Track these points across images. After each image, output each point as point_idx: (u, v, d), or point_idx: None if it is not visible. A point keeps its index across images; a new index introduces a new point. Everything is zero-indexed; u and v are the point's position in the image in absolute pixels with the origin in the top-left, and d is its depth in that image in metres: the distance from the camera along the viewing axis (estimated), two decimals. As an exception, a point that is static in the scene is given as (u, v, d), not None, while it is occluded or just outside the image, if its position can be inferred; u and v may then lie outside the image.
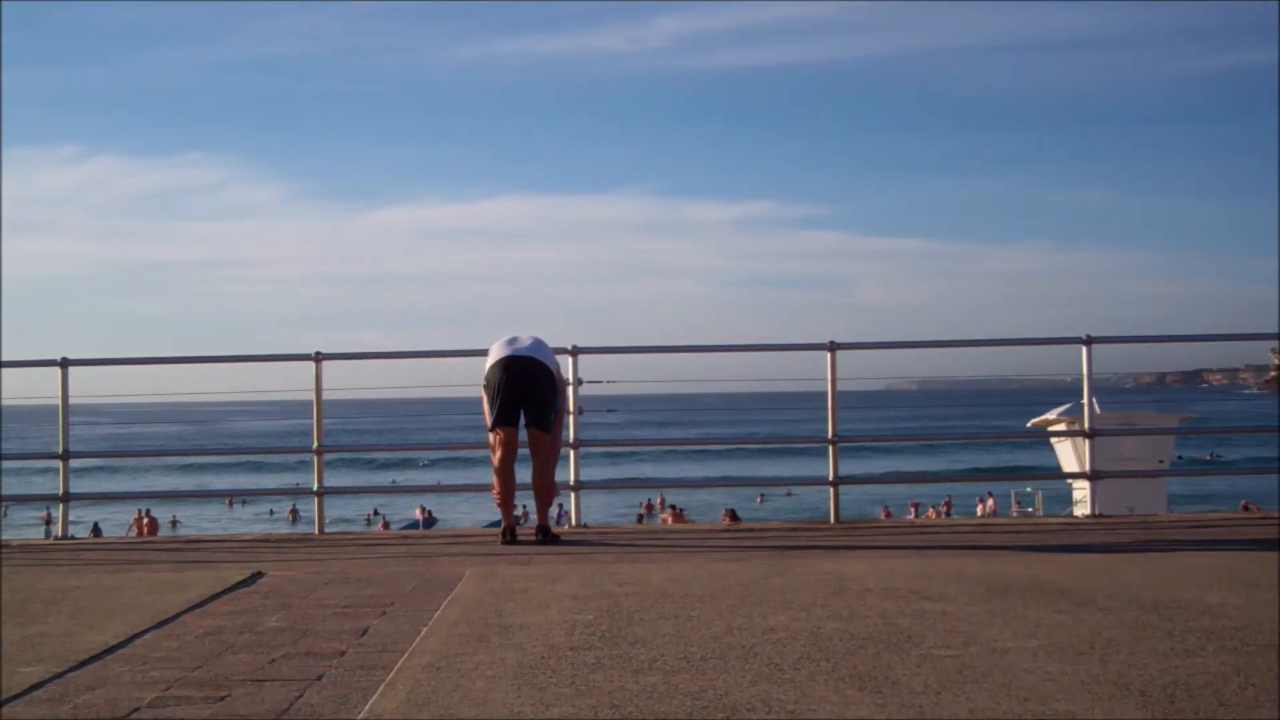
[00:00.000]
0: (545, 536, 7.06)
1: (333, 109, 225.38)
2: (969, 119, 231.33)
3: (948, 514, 28.76)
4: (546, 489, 7.17)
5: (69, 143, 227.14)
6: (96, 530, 25.53)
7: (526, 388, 7.03)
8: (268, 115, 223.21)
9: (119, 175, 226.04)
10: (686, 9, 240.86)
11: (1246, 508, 24.94)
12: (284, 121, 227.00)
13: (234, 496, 36.92)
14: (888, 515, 24.90)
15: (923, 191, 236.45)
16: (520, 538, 7.07)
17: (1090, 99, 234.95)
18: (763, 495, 38.89)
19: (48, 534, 21.25)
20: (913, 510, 30.39)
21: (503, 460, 7.06)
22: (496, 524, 7.54)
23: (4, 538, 8.48)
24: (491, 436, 7.11)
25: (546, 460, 7.14)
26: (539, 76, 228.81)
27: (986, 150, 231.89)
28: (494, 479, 7.14)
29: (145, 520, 28.26)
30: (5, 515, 31.79)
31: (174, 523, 33.77)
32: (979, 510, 28.22)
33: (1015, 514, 26.23)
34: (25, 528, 30.39)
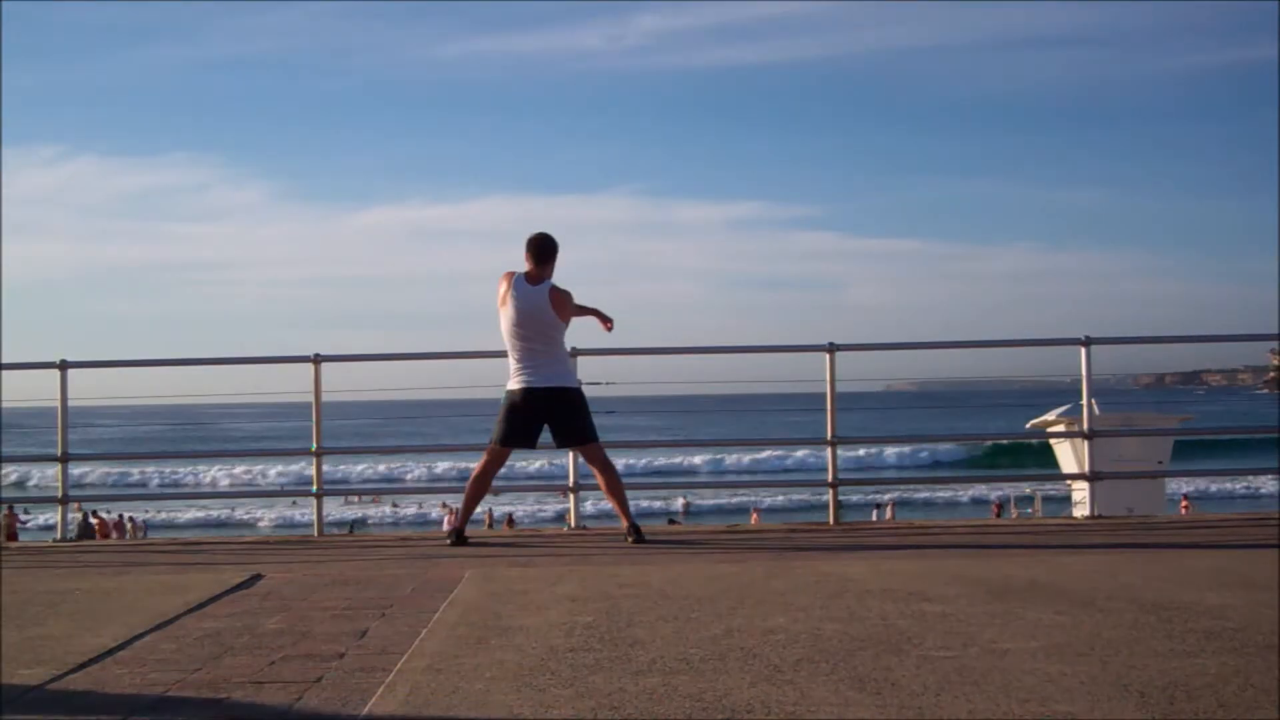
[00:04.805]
0: (638, 536, 7.09)
1: (314, 108, 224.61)
2: (960, 118, 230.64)
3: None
4: (620, 491, 7.22)
5: (50, 143, 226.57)
6: (85, 524, 25.56)
7: (551, 418, 7.13)
8: (249, 115, 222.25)
9: (101, 176, 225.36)
10: (665, 7, 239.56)
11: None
12: (266, 121, 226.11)
13: (232, 497, 36.87)
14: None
15: (916, 191, 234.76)
16: (471, 540, 7.19)
17: (1083, 97, 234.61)
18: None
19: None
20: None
21: (485, 472, 7.22)
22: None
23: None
24: (491, 446, 7.17)
25: (606, 465, 7.20)
26: (520, 75, 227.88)
27: (979, 149, 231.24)
28: (470, 484, 7.29)
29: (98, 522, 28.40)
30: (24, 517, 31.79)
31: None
32: (1000, 512, 28.00)
33: (1015, 514, 26.28)
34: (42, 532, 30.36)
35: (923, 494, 38.72)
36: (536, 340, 7.02)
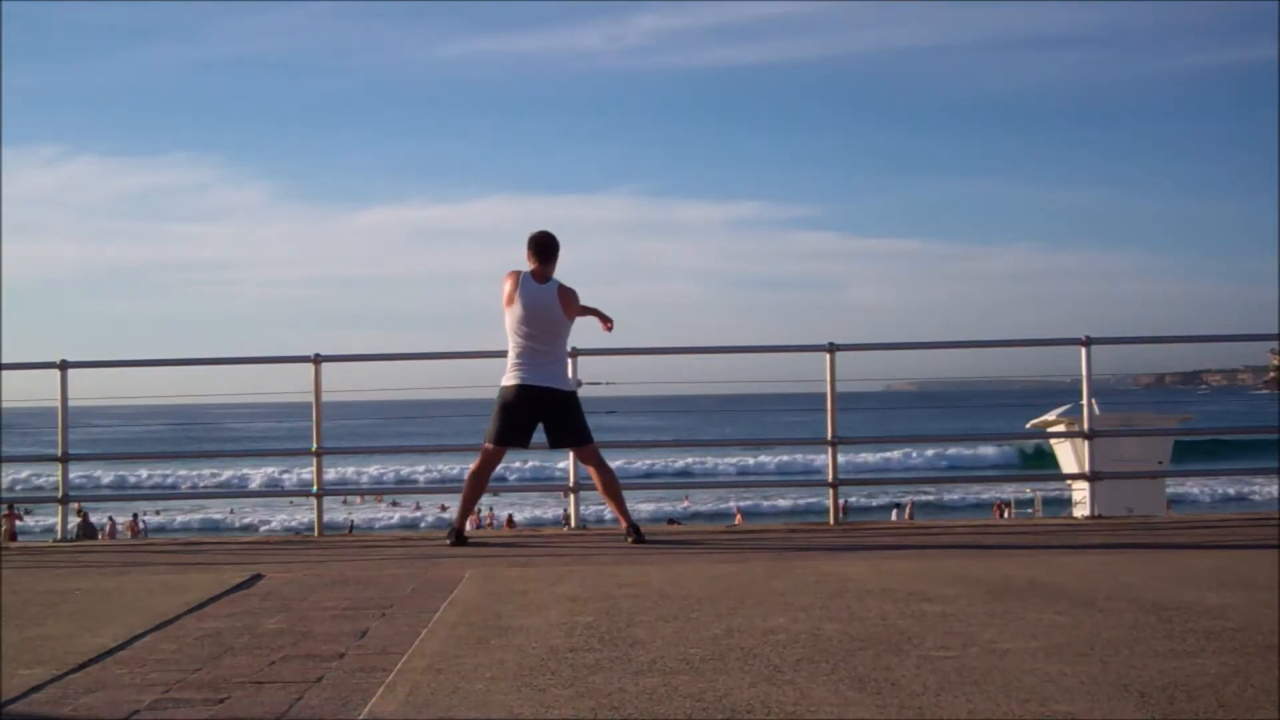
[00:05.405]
0: (638, 536, 7.08)
1: (314, 108, 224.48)
2: (960, 118, 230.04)
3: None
4: (617, 491, 7.22)
5: (50, 143, 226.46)
6: (87, 524, 25.55)
7: (545, 418, 7.12)
8: (249, 115, 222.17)
9: (101, 176, 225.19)
10: (665, 7, 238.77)
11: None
12: (266, 121, 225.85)
13: (232, 498, 36.80)
14: None
15: (916, 191, 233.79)
16: (471, 540, 7.21)
17: (1083, 97, 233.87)
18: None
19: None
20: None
21: (480, 471, 7.20)
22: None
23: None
24: (485, 445, 7.16)
25: (602, 466, 7.20)
26: (520, 75, 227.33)
27: (979, 149, 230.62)
28: (466, 483, 7.29)
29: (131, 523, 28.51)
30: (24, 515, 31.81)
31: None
32: (1006, 514, 28.00)
33: (1008, 514, 26.31)
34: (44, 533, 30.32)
35: (948, 496, 38.46)
36: (541, 339, 7.02)
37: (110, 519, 28.81)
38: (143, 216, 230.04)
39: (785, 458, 44.90)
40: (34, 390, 8.56)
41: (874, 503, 35.26)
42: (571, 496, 8.40)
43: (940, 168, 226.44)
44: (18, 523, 27.88)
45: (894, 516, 28.08)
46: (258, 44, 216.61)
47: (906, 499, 32.84)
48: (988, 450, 50.45)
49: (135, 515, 30.36)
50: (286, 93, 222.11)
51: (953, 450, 51.02)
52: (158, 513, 35.62)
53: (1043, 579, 5.26)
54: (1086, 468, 8.76)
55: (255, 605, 5.02)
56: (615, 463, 7.41)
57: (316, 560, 6.69)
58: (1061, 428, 14.68)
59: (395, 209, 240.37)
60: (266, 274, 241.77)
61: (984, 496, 35.48)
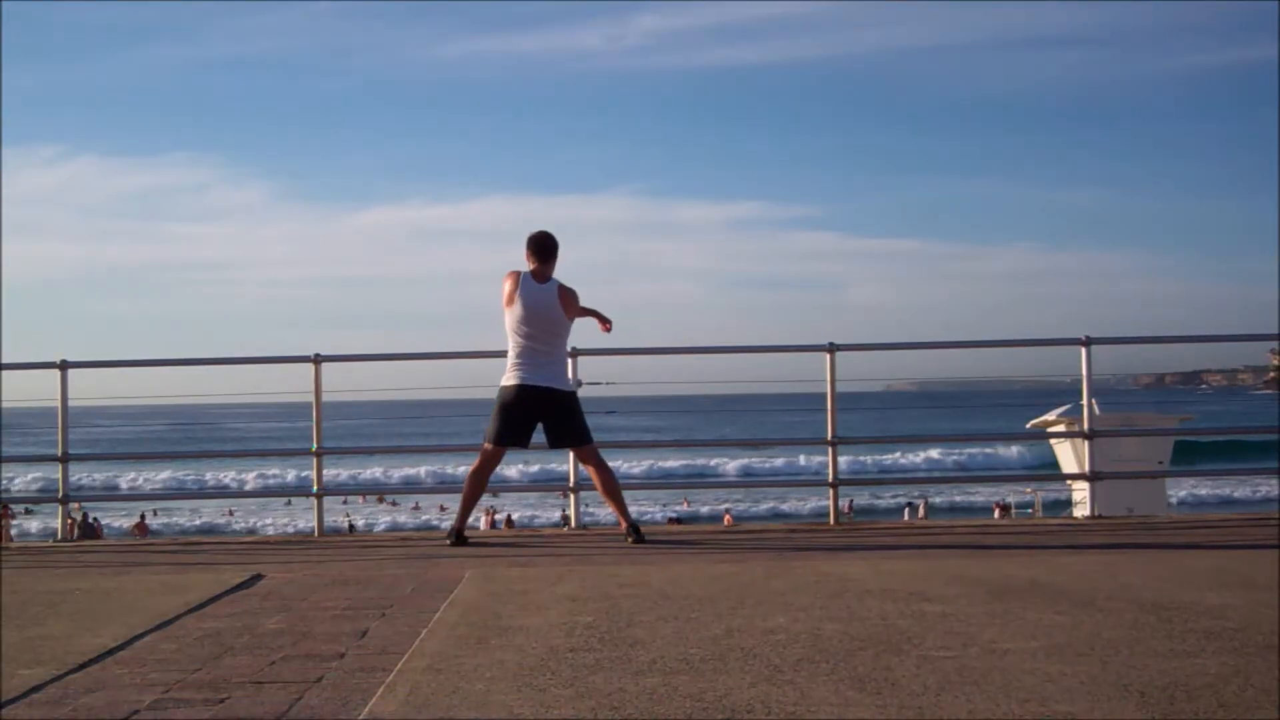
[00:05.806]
0: (638, 536, 7.08)
1: (314, 108, 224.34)
2: (960, 118, 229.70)
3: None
4: (617, 491, 7.22)
5: (50, 143, 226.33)
6: (87, 524, 25.54)
7: (545, 418, 7.12)
8: (249, 115, 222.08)
9: (101, 176, 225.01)
10: (665, 7, 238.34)
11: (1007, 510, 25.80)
12: (266, 121, 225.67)
13: (231, 497, 36.73)
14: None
15: (916, 191, 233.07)
16: (471, 540, 7.21)
17: (1083, 97, 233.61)
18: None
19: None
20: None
21: (480, 471, 7.20)
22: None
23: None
24: (486, 445, 7.16)
25: (601, 466, 7.20)
26: (520, 75, 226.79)
27: (979, 149, 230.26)
28: (466, 483, 7.28)
29: (139, 523, 28.52)
30: (19, 515, 31.78)
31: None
32: (996, 514, 28.05)
33: (999, 513, 26.34)
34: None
35: (961, 496, 38.34)
36: (541, 339, 7.02)
37: (95, 519, 28.77)
38: (143, 216, 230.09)
39: (786, 459, 44.93)
40: (34, 390, 8.57)
41: (882, 504, 35.24)
42: (571, 496, 8.40)
43: (940, 168, 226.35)
44: (11, 522, 27.88)
45: (906, 516, 28.15)
46: (258, 44, 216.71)
47: (920, 499, 32.85)
48: (1007, 451, 50.36)
49: (142, 515, 30.37)
50: (286, 93, 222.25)
51: (958, 450, 51.03)
52: (155, 513, 35.61)
53: (1043, 579, 5.26)
54: (1086, 468, 8.77)
55: (255, 605, 5.02)
56: (615, 463, 7.41)
57: (316, 560, 6.70)
58: (1061, 428, 14.69)
59: (395, 209, 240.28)
60: (266, 274, 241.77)
61: (993, 498, 35.50)
